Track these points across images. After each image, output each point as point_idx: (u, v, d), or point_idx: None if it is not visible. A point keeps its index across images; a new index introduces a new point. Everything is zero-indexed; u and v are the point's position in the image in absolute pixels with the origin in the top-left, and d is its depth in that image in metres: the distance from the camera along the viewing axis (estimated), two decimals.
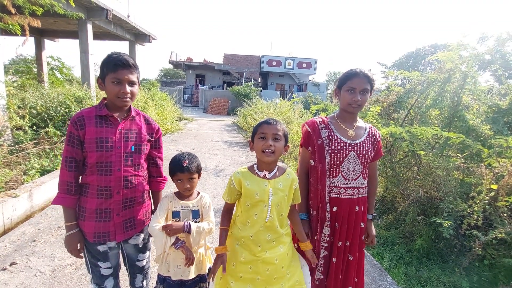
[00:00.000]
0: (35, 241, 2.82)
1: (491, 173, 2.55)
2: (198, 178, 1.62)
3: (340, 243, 1.62)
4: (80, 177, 1.45)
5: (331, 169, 1.60)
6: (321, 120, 1.69)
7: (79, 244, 1.45)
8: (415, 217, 3.11)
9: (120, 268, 1.63)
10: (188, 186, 1.55)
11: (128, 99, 1.41)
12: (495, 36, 3.28)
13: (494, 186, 2.46)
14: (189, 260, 1.50)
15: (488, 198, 2.42)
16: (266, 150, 1.36)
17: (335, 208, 1.61)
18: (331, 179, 1.60)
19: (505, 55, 3.33)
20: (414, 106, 4.00)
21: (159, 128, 1.63)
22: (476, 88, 3.48)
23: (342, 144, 1.59)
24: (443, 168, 2.99)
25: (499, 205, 2.44)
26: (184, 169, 1.52)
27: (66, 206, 1.41)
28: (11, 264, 2.43)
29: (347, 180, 1.60)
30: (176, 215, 1.57)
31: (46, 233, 2.97)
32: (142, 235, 1.61)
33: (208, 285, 1.68)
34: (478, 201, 2.42)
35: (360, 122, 1.70)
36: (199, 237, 1.52)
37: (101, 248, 1.47)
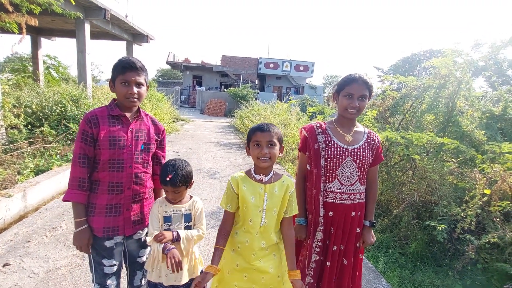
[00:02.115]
0: (29, 241, 2.79)
1: (485, 178, 2.59)
2: (189, 187, 1.56)
3: (335, 248, 1.62)
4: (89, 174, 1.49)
5: (327, 174, 1.60)
6: (318, 125, 1.69)
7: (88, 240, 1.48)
8: (409, 220, 3.14)
9: (122, 268, 1.64)
10: (173, 197, 1.51)
11: (135, 99, 1.47)
12: (489, 43, 3.34)
13: (487, 191, 2.49)
14: (173, 266, 1.37)
15: (481, 202, 2.45)
16: (262, 158, 1.38)
17: (331, 213, 1.60)
18: (327, 184, 1.60)
19: (499, 62, 3.40)
20: (410, 111, 4.05)
21: (164, 129, 1.71)
22: (470, 94, 3.54)
23: (338, 149, 1.59)
24: (437, 172, 3.03)
25: (492, 209, 2.48)
26: (168, 183, 1.45)
27: (78, 201, 1.44)
28: (4, 265, 2.40)
29: (344, 186, 1.59)
30: (167, 219, 1.53)
31: (40, 234, 2.94)
32: (145, 230, 1.64)
33: None
34: (472, 205, 2.45)
35: (359, 127, 1.69)
36: (190, 245, 1.50)
37: (108, 243, 1.50)
